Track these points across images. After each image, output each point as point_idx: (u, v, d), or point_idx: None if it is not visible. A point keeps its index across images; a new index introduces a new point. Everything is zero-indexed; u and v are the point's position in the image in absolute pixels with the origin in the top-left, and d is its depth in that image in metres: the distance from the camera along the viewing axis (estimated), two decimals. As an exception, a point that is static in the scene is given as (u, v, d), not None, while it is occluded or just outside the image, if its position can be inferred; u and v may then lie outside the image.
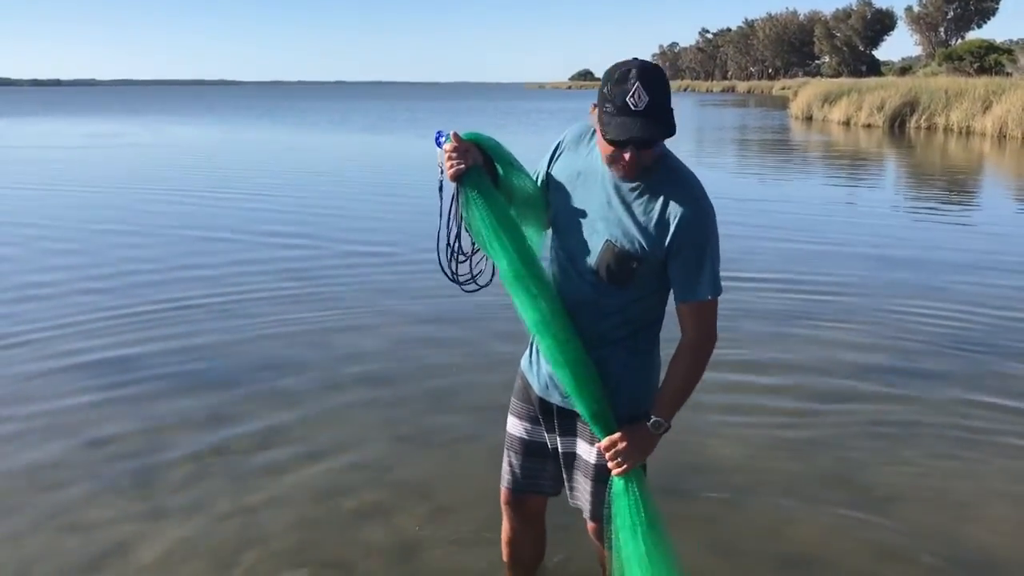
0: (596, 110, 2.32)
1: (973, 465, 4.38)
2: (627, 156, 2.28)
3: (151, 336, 6.45)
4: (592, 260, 2.42)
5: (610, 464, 2.45)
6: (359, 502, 3.94)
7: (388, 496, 4.00)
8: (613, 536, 2.49)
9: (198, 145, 27.84)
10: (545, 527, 3.03)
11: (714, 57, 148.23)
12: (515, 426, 2.78)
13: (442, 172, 2.42)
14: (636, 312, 2.50)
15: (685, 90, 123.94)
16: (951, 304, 7.36)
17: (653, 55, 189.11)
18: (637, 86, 2.20)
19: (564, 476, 2.71)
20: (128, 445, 4.58)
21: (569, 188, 2.48)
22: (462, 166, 2.38)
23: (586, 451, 2.61)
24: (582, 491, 2.65)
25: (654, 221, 2.35)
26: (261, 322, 6.82)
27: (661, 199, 2.35)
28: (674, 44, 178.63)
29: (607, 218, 2.39)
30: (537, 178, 2.60)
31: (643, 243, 2.36)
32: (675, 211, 2.34)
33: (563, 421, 2.64)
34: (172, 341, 6.34)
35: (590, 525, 2.73)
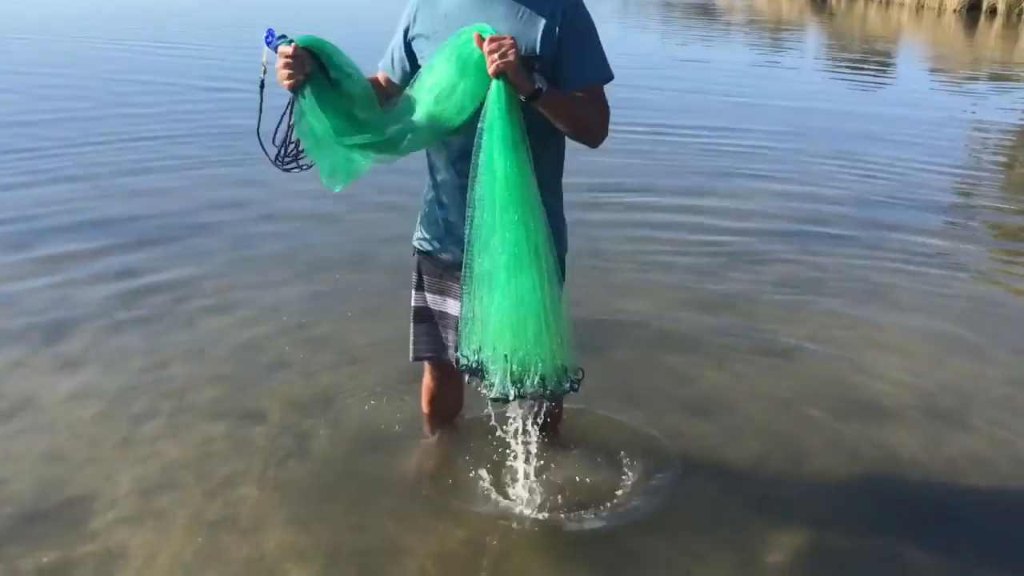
0: None
1: (870, 319, 4.59)
2: None
3: (61, 186, 6.26)
4: None
5: (489, 58, 2.22)
6: (275, 355, 3.95)
7: (305, 350, 4.01)
8: (482, 154, 2.32)
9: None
10: (463, 380, 3.09)
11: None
12: (434, 301, 2.82)
13: (265, 72, 2.36)
14: (542, 131, 2.41)
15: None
16: (859, 167, 7.58)
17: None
18: None
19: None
20: (36, 300, 4.45)
21: (441, 35, 2.41)
22: (300, 77, 2.29)
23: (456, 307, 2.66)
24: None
25: (537, 17, 2.36)
26: (175, 173, 6.68)
27: None
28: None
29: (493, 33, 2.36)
30: (392, 57, 2.61)
31: (535, 39, 2.36)
32: (553, 4, 2.36)
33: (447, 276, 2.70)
34: (82, 191, 6.17)
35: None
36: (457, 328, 2.61)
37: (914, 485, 3.23)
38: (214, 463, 3.16)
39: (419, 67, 2.48)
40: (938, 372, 4.06)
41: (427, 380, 3.13)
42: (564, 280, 2.57)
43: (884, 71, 15.03)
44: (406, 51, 2.56)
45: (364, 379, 3.74)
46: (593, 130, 2.46)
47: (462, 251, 2.45)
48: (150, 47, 13.90)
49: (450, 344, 2.80)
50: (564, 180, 2.67)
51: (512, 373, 2.36)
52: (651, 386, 3.81)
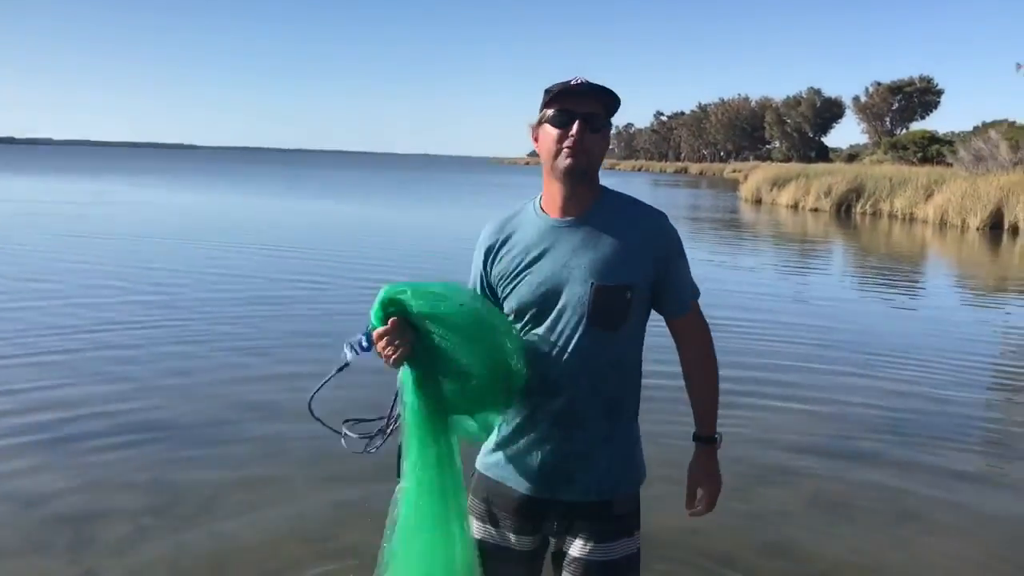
0: (536, 126, 2.34)
1: (906, 541, 4.47)
2: (574, 130, 2.24)
3: (101, 383, 6.47)
4: (581, 314, 2.27)
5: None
6: (299, 568, 3.91)
7: (331, 564, 3.97)
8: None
9: (192, 205, 27.91)
10: None
11: (668, 139, 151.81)
12: (494, 535, 2.43)
13: (351, 352, 2.23)
14: (630, 361, 2.38)
15: (639, 170, 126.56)
16: (888, 382, 7.55)
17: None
18: (576, 77, 2.29)
19: None
20: (64, 504, 4.51)
21: (524, 269, 2.33)
22: (406, 349, 2.18)
23: (579, 549, 2.35)
24: None
25: (629, 242, 2.29)
26: (214, 377, 6.84)
27: (624, 221, 2.32)
28: (629, 125, 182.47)
29: (580, 265, 2.27)
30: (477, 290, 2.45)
31: (630, 267, 2.28)
32: (645, 225, 2.33)
33: (562, 520, 2.37)
34: (126, 389, 6.38)
35: None
36: (508, 563, 2.41)
37: None
38: None
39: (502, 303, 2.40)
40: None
41: None
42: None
43: (911, 286, 15.24)
44: (489, 282, 2.43)
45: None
46: (717, 364, 2.53)
47: (540, 476, 2.34)
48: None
49: None
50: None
51: None
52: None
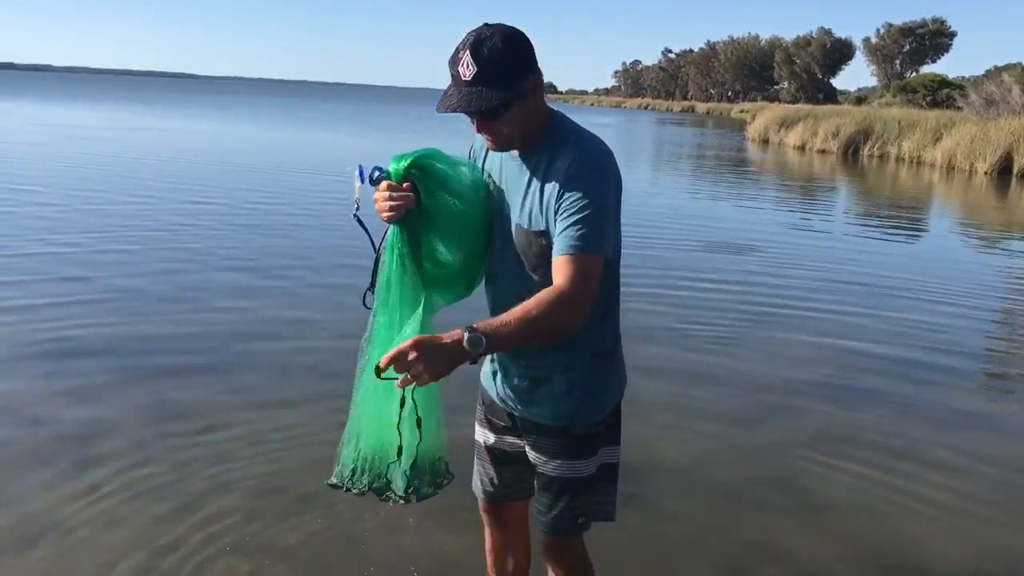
0: None
1: (908, 480, 4.47)
2: (475, 125, 2.20)
3: (111, 304, 6.41)
4: (512, 251, 2.29)
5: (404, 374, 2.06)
6: (302, 491, 3.91)
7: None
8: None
9: (214, 133, 27.65)
10: (529, 534, 2.76)
11: (675, 77, 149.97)
12: (480, 434, 2.63)
13: (358, 207, 2.23)
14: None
15: (646, 108, 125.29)
16: (894, 321, 7.56)
17: (615, 72, 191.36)
18: (466, 56, 2.10)
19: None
20: (70, 426, 4.52)
21: (492, 189, 2.36)
22: (396, 215, 2.19)
23: (541, 464, 2.44)
24: (537, 501, 2.49)
25: (547, 185, 2.20)
26: (219, 297, 6.84)
27: (547, 161, 2.21)
28: (636, 62, 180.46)
29: (515, 203, 2.27)
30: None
31: (542, 213, 2.20)
32: (561, 167, 2.17)
33: (528, 433, 2.46)
34: (130, 310, 6.38)
35: (543, 540, 2.52)
36: (491, 461, 2.60)
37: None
38: (235, 600, 3.10)
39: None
40: (978, 538, 3.93)
41: (485, 529, 2.80)
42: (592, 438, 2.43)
43: (917, 228, 15.16)
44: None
45: (392, 519, 3.67)
46: (555, 329, 2.12)
47: (499, 395, 2.46)
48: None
49: (492, 482, 2.63)
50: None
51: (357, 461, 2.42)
52: (685, 537, 3.72)
